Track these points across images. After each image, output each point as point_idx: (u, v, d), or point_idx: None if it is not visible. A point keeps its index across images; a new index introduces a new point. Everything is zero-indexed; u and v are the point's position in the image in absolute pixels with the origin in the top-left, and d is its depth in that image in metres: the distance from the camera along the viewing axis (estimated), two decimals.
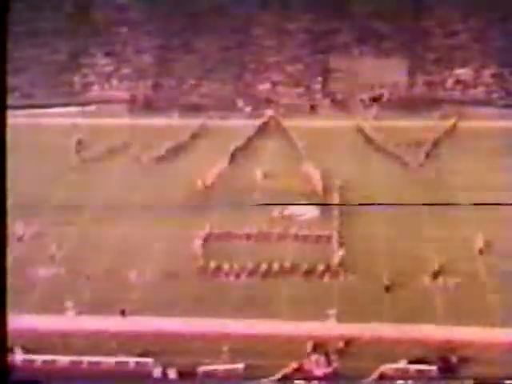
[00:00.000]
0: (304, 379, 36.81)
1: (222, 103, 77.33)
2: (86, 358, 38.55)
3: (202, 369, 37.83)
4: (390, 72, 79.47)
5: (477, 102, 75.49)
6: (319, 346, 39.11)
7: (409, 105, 75.26)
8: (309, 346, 38.99)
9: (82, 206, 56.35)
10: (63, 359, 38.56)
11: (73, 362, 38.46)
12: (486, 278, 45.31)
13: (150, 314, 42.47)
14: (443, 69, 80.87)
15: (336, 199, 56.04)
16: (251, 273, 46.68)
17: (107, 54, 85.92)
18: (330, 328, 40.47)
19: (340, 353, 38.82)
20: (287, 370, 37.32)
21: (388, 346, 39.11)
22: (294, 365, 37.62)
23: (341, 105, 77.37)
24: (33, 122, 71.77)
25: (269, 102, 77.99)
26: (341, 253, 48.11)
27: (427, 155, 63.74)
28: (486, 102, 75.52)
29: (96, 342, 40.10)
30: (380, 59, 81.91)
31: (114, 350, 39.27)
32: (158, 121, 73.19)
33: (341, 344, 39.27)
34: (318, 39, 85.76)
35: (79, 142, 66.92)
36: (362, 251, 48.82)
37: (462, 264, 46.80)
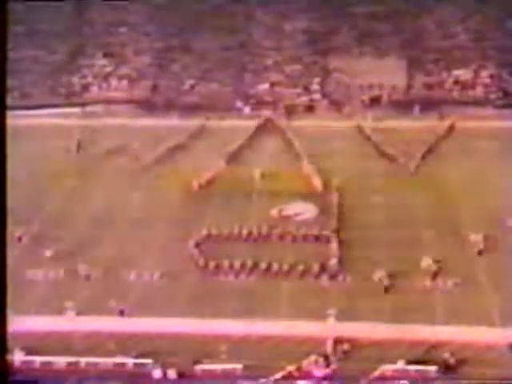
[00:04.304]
0: (303, 380, 36.84)
1: (221, 104, 77.33)
2: (84, 359, 38.56)
3: (200, 369, 37.87)
4: (388, 72, 79.48)
5: (475, 103, 75.53)
6: (318, 346, 39.13)
7: (407, 105, 75.30)
8: (308, 347, 39.01)
9: (81, 207, 56.40)
10: (62, 360, 38.57)
11: (71, 363, 38.46)
12: (485, 279, 45.33)
13: (148, 315, 42.50)
14: (442, 69, 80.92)
15: (334, 199, 56.06)
16: (250, 273, 46.71)
17: (106, 55, 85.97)
18: (329, 328, 40.44)
19: (339, 353, 38.82)
20: (286, 371, 37.33)
21: (387, 346, 39.13)
22: (293, 365, 37.63)
23: (339, 105, 77.36)
24: (32, 122, 71.77)
25: (268, 102, 78.02)
26: (339, 253, 48.19)
27: (424, 156, 63.74)
28: (485, 103, 75.55)
29: (95, 343, 40.11)
30: (379, 60, 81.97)
31: (113, 351, 39.28)
32: (157, 121, 73.22)
33: (340, 344, 39.28)
34: (317, 40, 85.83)
35: (78, 143, 66.91)
36: (360, 251, 48.84)
37: (461, 265, 46.82)
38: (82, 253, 49.43)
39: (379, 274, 45.44)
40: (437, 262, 46.58)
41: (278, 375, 37.07)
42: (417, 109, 74.08)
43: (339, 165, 62.13)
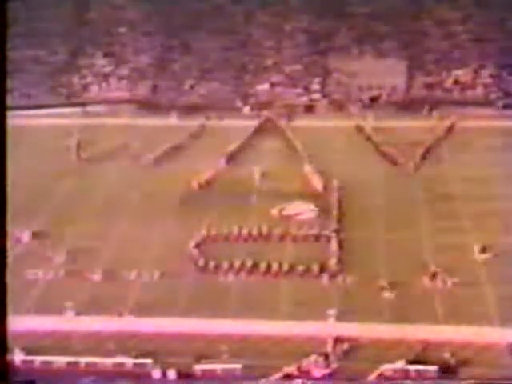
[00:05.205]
0: (303, 379, 36.81)
1: (221, 104, 77.33)
2: (84, 359, 38.56)
3: (200, 369, 37.87)
4: (388, 72, 79.51)
5: (475, 103, 75.45)
6: (318, 346, 39.12)
7: (407, 105, 75.28)
8: (308, 347, 39.01)
9: (81, 207, 56.41)
10: (62, 360, 38.57)
11: (71, 363, 38.45)
12: (485, 279, 45.32)
13: (148, 315, 42.50)
14: (442, 69, 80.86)
15: (334, 199, 56.06)
16: (250, 273, 46.72)
17: (106, 55, 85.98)
18: (329, 328, 40.45)
19: (339, 353, 38.81)
20: (286, 371, 37.32)
21: (387, 346, 39.12)
22: (293, 365, 37.62)
23: (339, 105, 77.35)
24: (32, 122, 71.81)
25: (268, 102, 78.03)
26: (340, 253, 48.22)
27: (424, 156, 63.72)
28: (485, 103, 75.49)
29: (95, 343, 40.10)
30: (379, 60, 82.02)
31: (113, 351, 39.27)
32: (157, 121, 73.22)
33: (340, 344, 39.28)
34: (317, 40, 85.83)
35: (78, 143, 66.92)
36: (360, 251, 48.86)
37: (461, 264, 46.81)
38: (81, 253, 49.45)
39: (379, 274, 45.43)
40: (437, 261, 46.60)
41: (278, 375, 37.07)
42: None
43: (339, 165, 62.15)
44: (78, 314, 42.89)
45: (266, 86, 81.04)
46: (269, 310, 42.48)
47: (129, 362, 38.56)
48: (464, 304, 42.64)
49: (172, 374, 37.63)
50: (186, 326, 41.10)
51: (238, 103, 77.90)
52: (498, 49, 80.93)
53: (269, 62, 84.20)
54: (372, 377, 36.84)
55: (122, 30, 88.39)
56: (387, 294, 43.83)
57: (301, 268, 46.50)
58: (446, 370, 37.37)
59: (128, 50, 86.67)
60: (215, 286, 45.60)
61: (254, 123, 72.02)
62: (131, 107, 78.13)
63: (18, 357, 38.53)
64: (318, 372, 37.65)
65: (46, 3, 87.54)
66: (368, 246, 49.58)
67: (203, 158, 63.54)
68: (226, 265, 47.06)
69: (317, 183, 58.73)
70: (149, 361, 38.30)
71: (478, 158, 62.57)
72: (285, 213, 54.31)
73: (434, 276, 45.59)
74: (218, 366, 37.95)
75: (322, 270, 46.52)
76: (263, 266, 46.80)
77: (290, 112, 75.40)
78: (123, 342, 39.93)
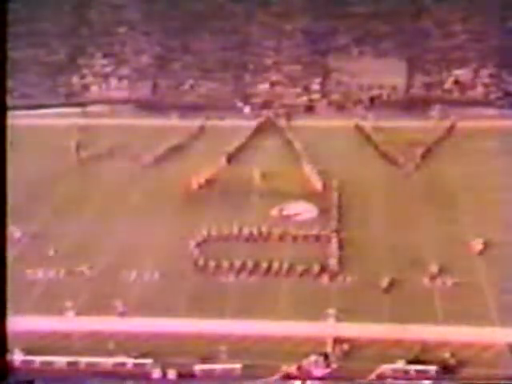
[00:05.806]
0: (303, 379, 36.83)
1: (221, 103, 77.43)
2: (84, 359, 38.57)
3: (200, 369, 37.87)
4: (388, 72, 79.53)
5: (475, 103, 75.52)
6: (318, 346, 39.13)
7: (407, 105, 75.30)
8: (307, 347, 39.01)
9: (81, 207, 56.41)
10: (62, 360, 38.57)
11: (71, 363, 38.46)
12: (485, 279, 45.31)
13: (148, 315, 42.50)
14: (442, 69, 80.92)
15: (334, 199, 56.07)
16: (250, 273, 46.72)
17: (106, 55, 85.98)
18: (329, 328, 40.45)
19: (339, 353, 38.82)
20: (286, 371, 37.33)
21: (387, 346, 39.14)
22: (293, 365, 37.62)
23: (339, 105, 77.40)
24: (32, 122, 71.82)
25: (268, 102, 78.07)
26: (340, 253, 48.23)
27: (424, 156, 63.71)
28: (485, 103, 75.54)
29: (95, 343, 40.11)
30: (379, 60, 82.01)
31: (113, 351, 39.27)
32: (157, 121, 73.27)
33: (340, 344, 39.27)
34: (317, 40, 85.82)
35: (78, 143, 66.94)
36: (360, 251, 48.87)
37: (461, 265, 46.81)
38: (82, 253, 49.45)
39: (379, 274, 45.43)
40: (437, 262, 46.61)
41: (278, 375, 37.08)
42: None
43: (339, 165, 62.14)
44: (77, 314, 42.90)
45: (265, 86, 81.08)
46: (269, 310, 42.47)
47: (129, 361, 38.58)
48: (464, 304, 42.64)
49: (172, 374, 37.65)
50: (185, 326, 41.10)
51: (238, 103, 77.96)
52: (498, 49, 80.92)
53: (269, 62, 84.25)
54: (372, 377, 36.86)
55: (122, 30, 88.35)
56: (387, 294, 43.93)
57: (301, 268, 46.51)
58: (446, 370, 37.39)
59: (128, 49, 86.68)
60: (215, 286, 45.60)
61: (253, 123, 72.08)
62: (131, 107, 78.19)
63: (18, 357, 38.54)
64: (317, 372, 37.67)
65: (46, 3, 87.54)
66: (368, 245, 49.60)
67: (203, 158, 63.54)
68: (226, 265, 47.08)
69: (316, 183, 58.74)
70: (149, 361, 38.33)
71: (477, 158, 62.58)
72: (285, 213, 54.36)
73: (433, 276, 45.61)
74: (217, 366, 37.97)
75: (322, 269, 46.53)
76: (263, 265, 46.82)
77: (289, 112, 75.45)
78: (123, 342, 39.94)
